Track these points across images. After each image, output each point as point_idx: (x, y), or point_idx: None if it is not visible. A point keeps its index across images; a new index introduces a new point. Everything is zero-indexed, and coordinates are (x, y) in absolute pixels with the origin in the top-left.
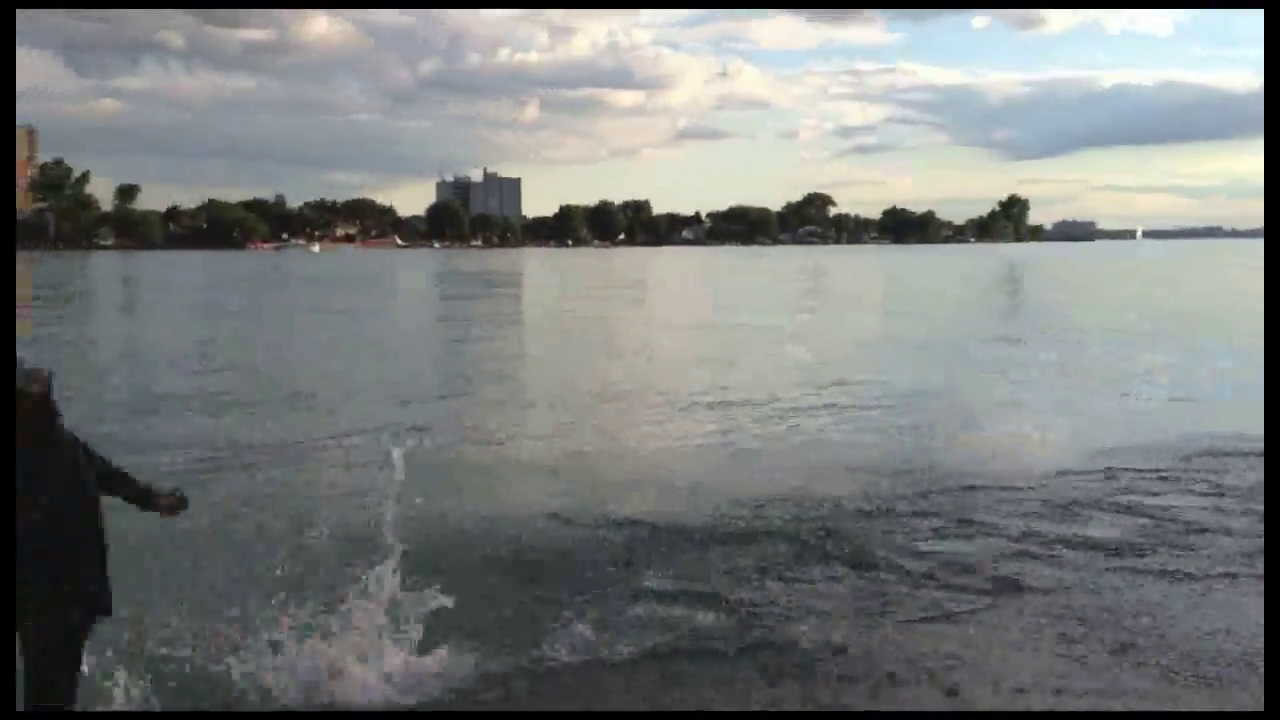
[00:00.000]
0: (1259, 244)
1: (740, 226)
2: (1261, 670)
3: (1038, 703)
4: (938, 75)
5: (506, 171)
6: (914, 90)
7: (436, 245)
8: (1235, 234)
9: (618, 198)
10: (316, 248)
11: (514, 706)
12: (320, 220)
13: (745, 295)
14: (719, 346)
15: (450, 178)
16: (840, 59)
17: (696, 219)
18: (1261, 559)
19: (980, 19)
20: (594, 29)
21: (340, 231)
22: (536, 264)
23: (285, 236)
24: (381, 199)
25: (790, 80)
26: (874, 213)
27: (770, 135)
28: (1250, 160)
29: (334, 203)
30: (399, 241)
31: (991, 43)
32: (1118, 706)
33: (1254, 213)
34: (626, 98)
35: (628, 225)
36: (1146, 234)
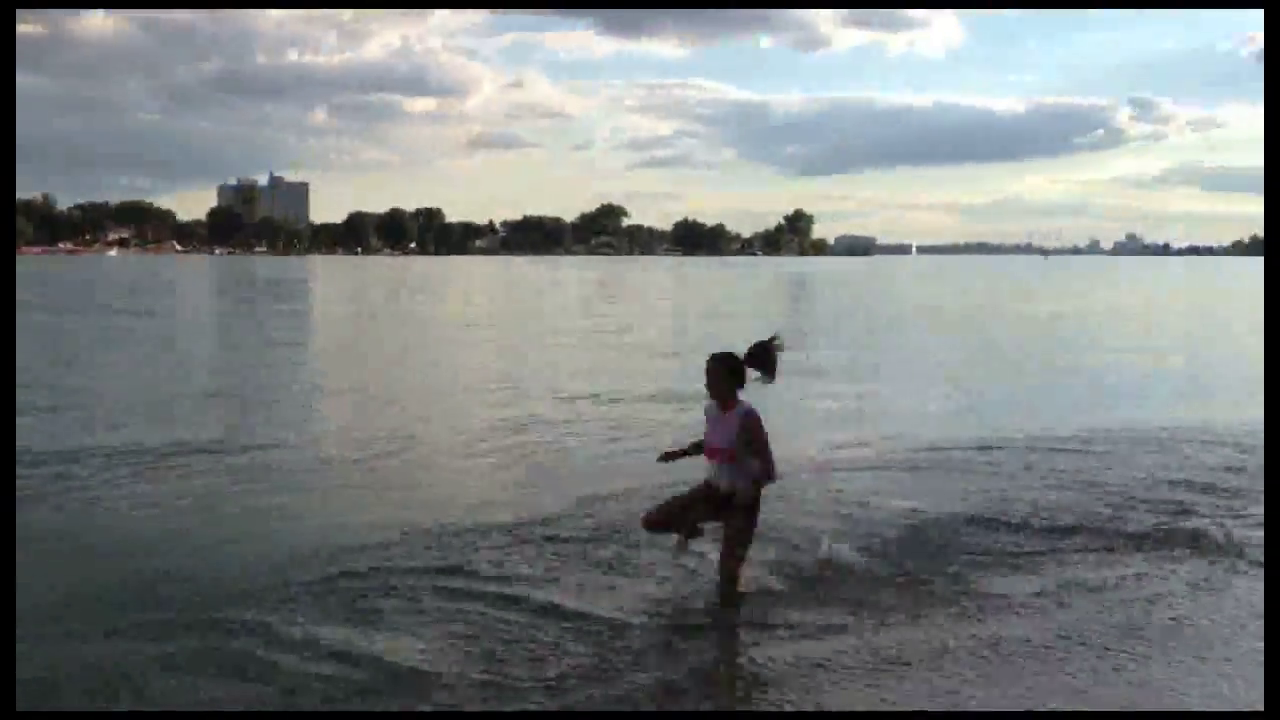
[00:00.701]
0: (1020, 259)
1: (534, 236)
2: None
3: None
4: (728, 91)
5: (294, 176)
6: (705, 105)
7: (218, 251)
8: (1001, 249)
9: (410, 205)
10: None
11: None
12: (92, 223)
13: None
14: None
15: (234, 181)
16: (634, 72)
17: (490, 228)
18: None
19: (767, 39)
20: (386, 33)
21: (113, 236)
22: (323, 273)
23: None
24: (161, 203)
25: (584, 91)
26: (666, 224)
27: (564, 146)
28: (1017, 180)
29: (107, 205)
30: (178, 247)
31: (779, 62)
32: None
33: (1019, 230)
34: (419, 104)
35: (420, 234)
36: (921, 249)
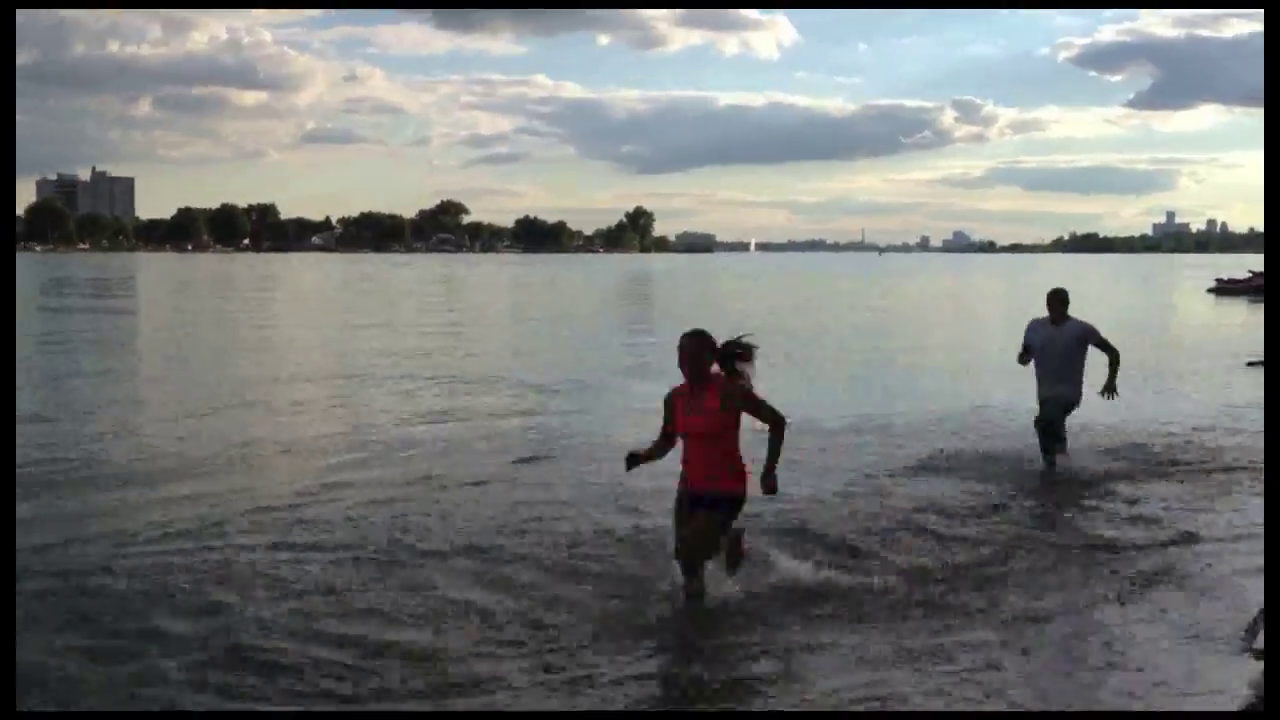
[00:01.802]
0: (856, 255)
1: (373, 233)
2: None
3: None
4: (566, 89)
5: (118, 171)
6: (543, 102)
7: (38, 249)
8: (837, 247)
9: (241, 201)
10: None
11: None
12: None
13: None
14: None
15: (53, 176)
16: (470, 68)
17: (327, 224)
18: None
19: (604, 37)
20: (212, 25)
21: None
22: (148, 271)
23: None
24: None
25: (420, 87)
26: (507, 221)
27: (401, 142)
28: (850, 179)
29: None
30: None
31: (616, 60)
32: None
33: (853, 227)
34: (249, 97)
35: (253, 230)
36: (759, 247)
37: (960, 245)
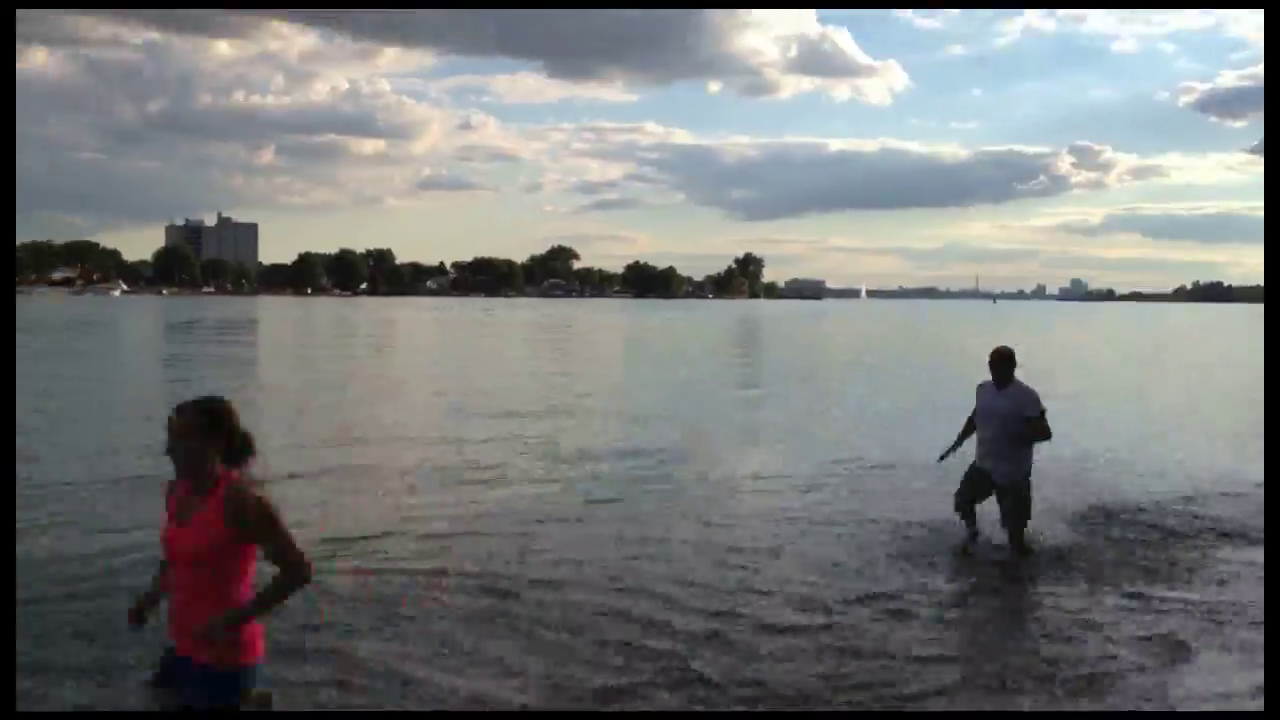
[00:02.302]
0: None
1: (485, 278)
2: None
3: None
4: (675, 135)
5: (241, 216)
6: (653, 149)
7: (165, 292)
8: (949, 294)
9: (359, 246)
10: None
11: None
12: (36, 263)
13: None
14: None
15: (181, 221)
16: (582, 116)
17: (441, 269)
18: None
19: (715, 84)
20: (333, 74)
21: (59, 275)
22: (271, 315)
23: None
24: (106, 242)
25: (533, 134)
26: (617, 267)
27: (514, 188)
28: (963, 226)
29: (51, 244)
30: (124, 287)
31: (725, 107)
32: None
33: (967, 274)
34: (368, 145)
35: (370, 275)
36: (870, 293)
37: (1078, 293)
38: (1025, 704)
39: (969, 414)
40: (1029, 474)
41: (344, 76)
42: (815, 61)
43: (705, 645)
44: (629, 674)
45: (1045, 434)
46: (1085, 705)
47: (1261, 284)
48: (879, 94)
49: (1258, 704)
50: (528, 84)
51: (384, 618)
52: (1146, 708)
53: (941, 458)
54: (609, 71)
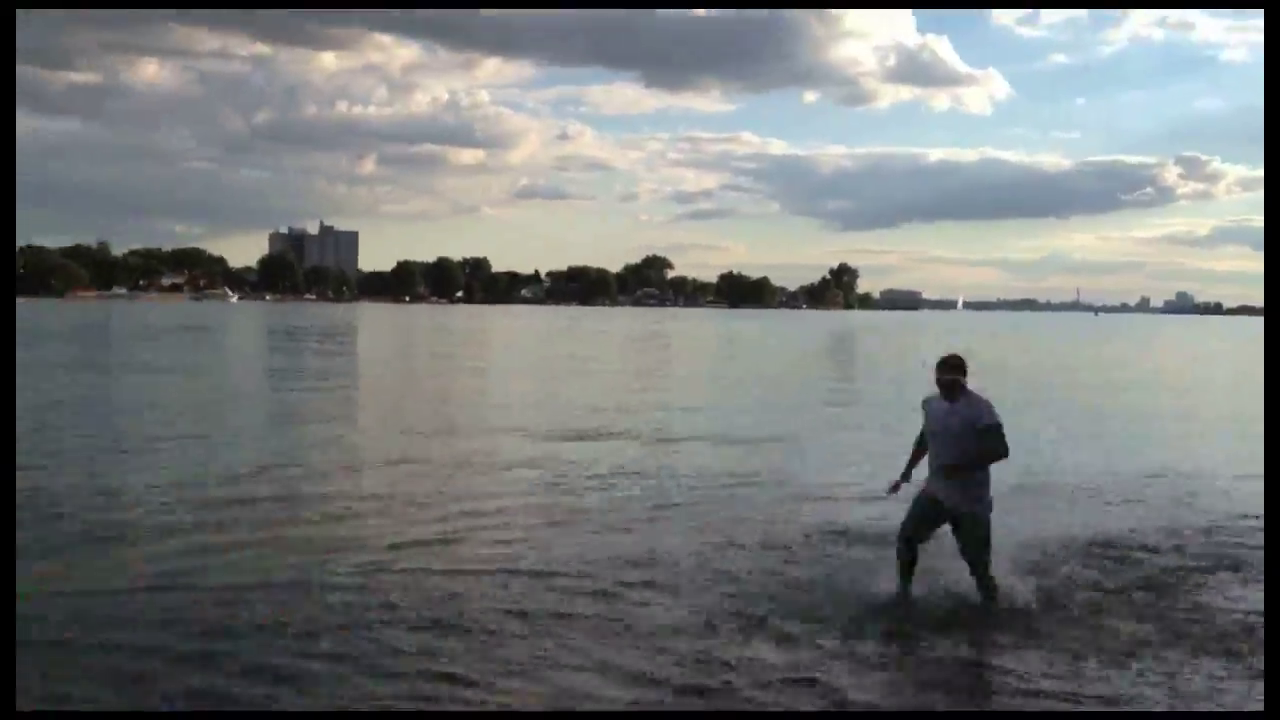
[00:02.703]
0: (1069, 315)
1: (579, 286)
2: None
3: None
4: (771, 145)
5: (343, 225)
6: (748, 159)
7: (269, 297)
8: (1049, 306)
9: (457, 254)
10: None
11: None
12: (147, 269)
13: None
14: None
15: (285, 229)
16: (678, 125)
17: (536, 278)
18: None
19: (811, 94)
20: (434, 85)
21: (168, 281)
22: (372, 321)
23: (112, 286)
24: (212, 249)
25: (629, 144)
26: (710, 276)
27: (609, 197)
28: (1064, 237)
29: (161, 250)
30: (230, 293)
31: (822, 117)
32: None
33: (1067, 286)
34: (466, 155)
35: (467, 283)
36: (967, 305)
37: (1184, 306)
38: None
39: (917, 435)
40: (989, 505)
41: (444, 88)
42: (914, 70)
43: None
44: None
45: (1000, 451)
46: None
47: None
48: (979, 103)
49: None
50: (624, 94)
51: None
52: None
53: (893, 489)
54: (705, 81)
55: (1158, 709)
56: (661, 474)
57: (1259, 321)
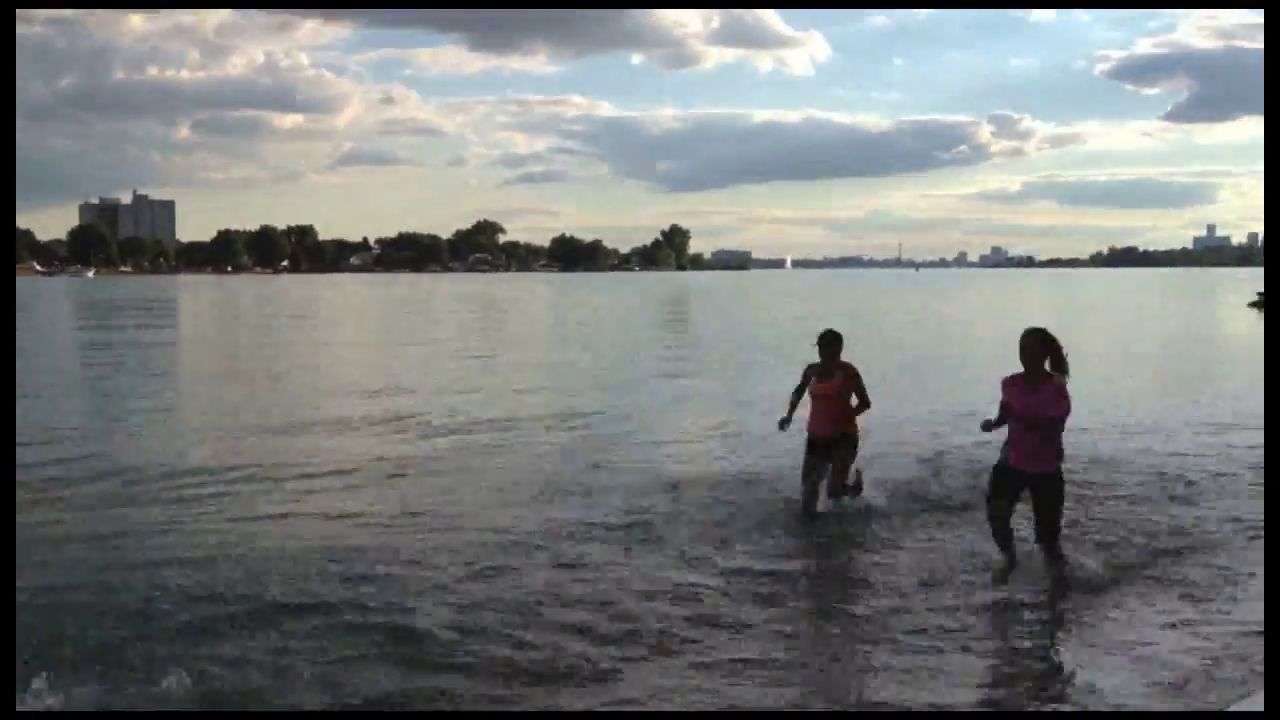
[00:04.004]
0: (892, 272)
1: (410, 253)
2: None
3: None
4: (600, 108)
5: (158, 194)
6: (577, 121)
7: (86, 273)
8: (873, 263)
9: (281, 223)
10: None
11: None
12: None
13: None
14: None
15: (95, 199)
16: (505, 88)
17: (365, 245)
18: None
19: (637, 56)
20: (250, 49)
21: None
22: (188, 294)
23: None
24: (18, 223)
25: (456, 108)
26: (543, 240)
27: (437, 162)
28: (886, 195)
29: None
30: (38, 268)
31: (649, 79)
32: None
33: (890, 243)
34: (287, 120)
35: (292, 252)
36: (795, 263)
37: (998, 260)
38: None
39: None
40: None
41: (261, 50)
42: (738, 32)
43: None
44: None
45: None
46: None
47: (1174, 248)
48: (802, 64)
49: None
50: (449, 57)
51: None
52: None
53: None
54: (531, 44)
55: None
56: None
57: (1069, 273)
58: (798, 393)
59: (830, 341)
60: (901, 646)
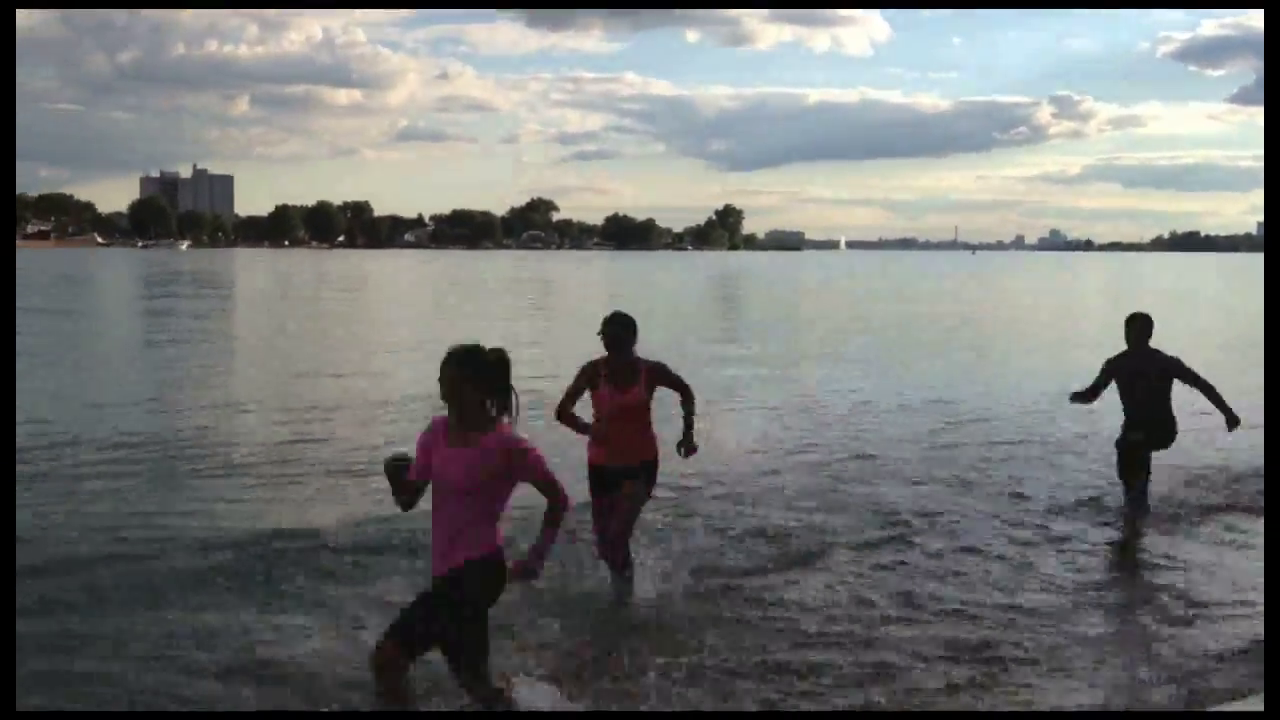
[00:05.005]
0: (948, 254)
1: (464, 230)
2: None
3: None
4: (655, 86)
5: (216, 168)
6: (632, 100)
7: (141, 244)
8: (929, 245)
9: (336, 198)
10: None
11: None
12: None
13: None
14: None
15: (156, 173)
16: (560, 66)
17: (419, 222)
18: None
19: (693, 33)
20: (307, 24)
21: (33, 228)
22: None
23: None
24: (80, 194)
25: (511, 85)
26: (596, 219)
27: (491, 139)
28: (942, 176)
29: (26, 196)
30: (99, 239)
31: (705, 57)
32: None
33: (945, 225)
34: (344, 96)
35: (348, 227)
36: (849, 244)
37: (1056, 244)
38: None
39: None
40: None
41: (318, 25)
42: (794, 11)
43: None
44: None
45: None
46: None
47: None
48: (859, 44)
49: None
50: (505, 34)
51: None
52: None
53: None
54: (587, 20)
55: None
56: None
57: (1129, 256)
58: (570, 401)
59: (622, 327)
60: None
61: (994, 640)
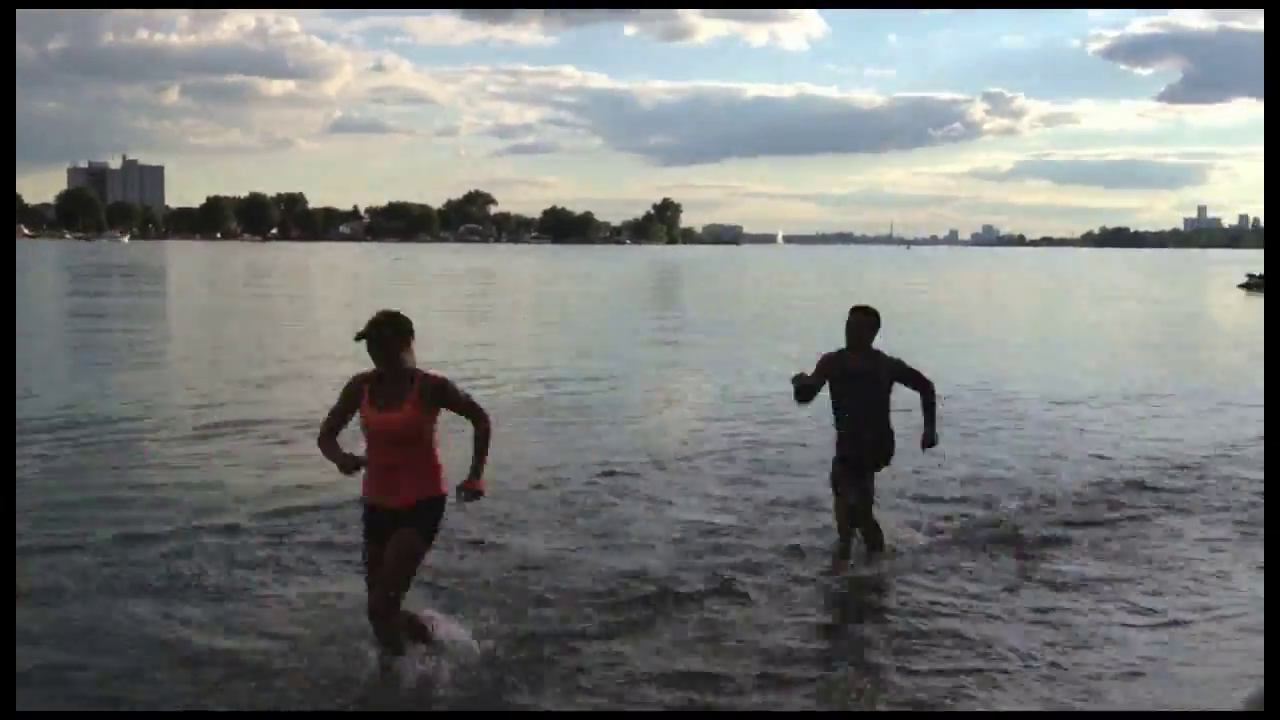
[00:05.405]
0: (883, 248)
1: (400, 223)
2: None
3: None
4: (593, 80)
5: (147, 159)
6: (570, 93)
7: (68, 235)
8: (864, 240)
9: (270, 190)
10: None
11: None
12: None
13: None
14: None
15: (84, 164)
16: (498, 59)
17: (355, 214)
18: None
19: (631, 27)
20: (240, 15)
21: None
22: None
23: None
24: None
25: (448, 77)
26: (534, 212)
27: (428, 131)
28: (879, 172)
29: None
30: (25, 231)
31: (643, 50)
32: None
33: (881, 220)
34: (278, 86)
35: (281, 219)
36: (787, 239)
37: (989, 239)
38: None
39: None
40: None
41: (251, 15)
42: (732, 6)
43: None
44: None
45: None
46: None
47: (1165, 229)
48: (796, 40)
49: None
50: (442, 26)
51: None
52: None
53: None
54: (525, 13)
55: None
56: None
57: (1062, 252)
58: (334, 423)
59: (392, 329)
60: None
61: None
